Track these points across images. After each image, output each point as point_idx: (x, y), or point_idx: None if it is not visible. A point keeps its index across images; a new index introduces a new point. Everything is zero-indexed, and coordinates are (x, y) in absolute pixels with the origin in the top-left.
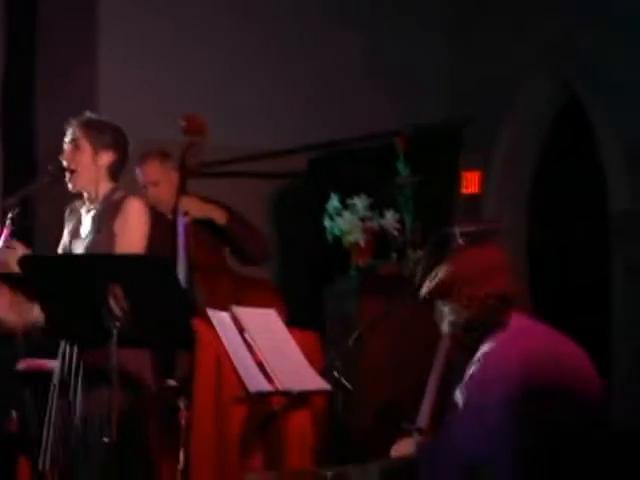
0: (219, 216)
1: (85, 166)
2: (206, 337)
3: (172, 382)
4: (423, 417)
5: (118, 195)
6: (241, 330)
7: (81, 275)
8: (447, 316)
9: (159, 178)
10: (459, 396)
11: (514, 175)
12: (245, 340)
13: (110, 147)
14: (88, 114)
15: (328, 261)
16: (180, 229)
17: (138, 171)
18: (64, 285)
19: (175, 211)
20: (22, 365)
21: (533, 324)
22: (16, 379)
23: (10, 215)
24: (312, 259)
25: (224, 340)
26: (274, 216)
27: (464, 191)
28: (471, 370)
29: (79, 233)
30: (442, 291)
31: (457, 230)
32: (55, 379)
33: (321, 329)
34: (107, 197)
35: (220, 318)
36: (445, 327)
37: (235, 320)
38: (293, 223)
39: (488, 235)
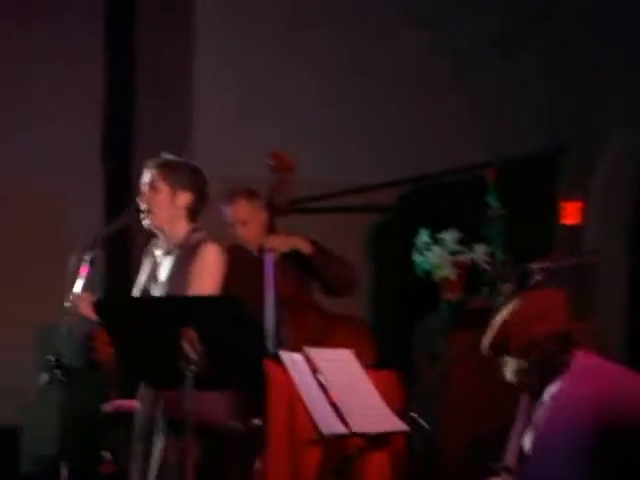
0: (304, 246)
1: (162, 206)
2: (278, 379)
3: (258, 422)
4: (510, 456)
5: (196, 238)
6: (314, 371)
7: (154, 318)
8: (510, 365)
9: (247, 217)
10: (527, 442)
11: (614, 204)
12: (318, 381)
13: (188, 187)
14: (165, 155)
15: (418, 296)
16: (267, 266)
17: (226, 210)
18: (138, 328)
19: (262, 249)
20: (111, 406)
21: (600, 362)
22: (107, 418)
23: (90, 256)
24: (402, 294)
25: (297, 381)
26: (366, 251)
27: (564, 222)
28: (539, 414)
29: (157, 276)
30: (499, 343)
31: (535, 266)
32: (136, 422)
33: (410, 367)
34: (185, 240)
35: (292, 359)
36: (510, 376)
37: (308, 361)
38: (384, 258)
39: (563, 270)
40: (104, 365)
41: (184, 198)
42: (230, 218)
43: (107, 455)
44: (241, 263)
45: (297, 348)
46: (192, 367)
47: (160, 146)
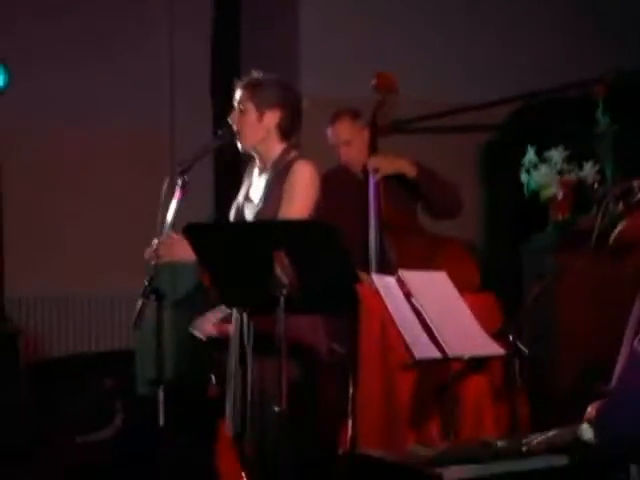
0: (409, 170)
1: (251, 127)
2: (371, 303)
3: (337, 347)
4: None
5: (290, 157)
6: (408, 295)
7: (245, 242)
8: None
9: (350, 137)
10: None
11: None
12: (412, 305)
13: (275, 106)
14: (254, 74)
15: (525, 217)
16: (371, 188)
17: (329, 131)
18: (229, 253)
19: (365, 170)
20: (214, 329)
21: None
22: (213, 343)
23: (181, 181)
24: (511, 216)
25: (389, 306)
26: (474, 172)
27: None
28: None
29: (250, 196)
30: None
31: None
32: (231, 347)
33: (516, 289)
34: (279, 160)
35: (385, 283)
36: None
37: (401, 284)
38: (493, 179)
39: None
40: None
41: (272, 117)
42: (333, 138)
43: (213, 378)
44: (344, 184)
45: (400, 268)
46: (284, 290)
47: (266, 69)
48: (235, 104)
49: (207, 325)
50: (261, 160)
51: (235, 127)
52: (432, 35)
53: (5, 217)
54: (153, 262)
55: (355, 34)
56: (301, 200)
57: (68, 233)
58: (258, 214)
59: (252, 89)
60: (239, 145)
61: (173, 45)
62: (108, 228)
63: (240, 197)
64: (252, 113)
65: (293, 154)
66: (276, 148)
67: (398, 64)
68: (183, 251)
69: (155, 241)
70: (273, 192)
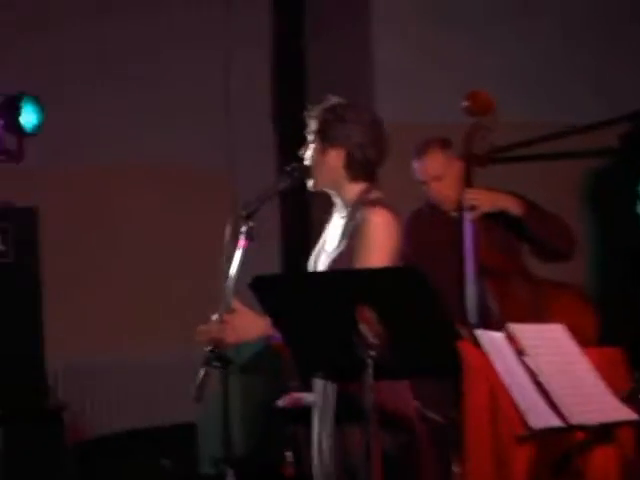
0: (513, 205)
1: (318, 166)
2: (476, 363)
3: (436, 416)
4: None
5: (370, 198)
6: (519, 353)
7: (323, 296)
8: None
9: (442, 171)
10: None
11: None
12: (525, 364)
13: (339, 144)
14: (328, 100)
15: None
16: (467, 227)
17: (415, 165)
18: (304, 309)
19: (460, 208)
20: (286, 401)
21: None
22: (284, 416)
23: (245, 228)
24: (630, 254)
25: (498, 366)
26: (584, 204)
27: None
28: None
29: (324, 245)
30: None
31: None
32: (313, 417)
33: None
34: (356, 203)
35: (492, 339)
36: None
37: (511, 340)
38: (606, 211)
39: None
40: (283, 350)
41: (335, 156)
42: (421, 174)
43: (289, 455)
44: (435, 225)
45: (504, 324)
46: (371, 352)
47: (334, 92)
48: (307, 136)
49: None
50: (336, 201)
51: (307, 163)
52: (528, 51)
53: (44, 273)
54: (210, 348)
55: (439, 49)
56: (376, 253)
57: (115, 289)
58: (330, 264)
59: (320, 120)
60: (309, 184)
61: (230, 67)
62: (162, 283)
63: (319, 244)
64: (318, 149)
65: (374, 195)
66: (350, 189)
67: (491, 83)
68: (254, 330)
69: (215, 318)
70: (346, 240)
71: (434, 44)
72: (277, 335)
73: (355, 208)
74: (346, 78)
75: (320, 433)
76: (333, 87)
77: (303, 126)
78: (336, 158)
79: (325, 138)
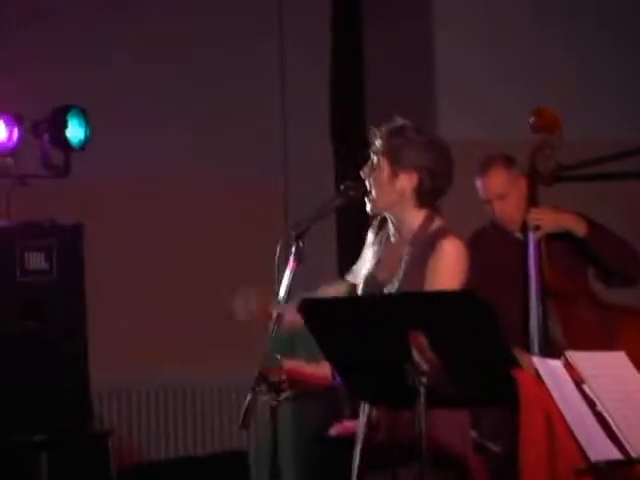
0: (578, 226)
1: (382, 188)
2: (533, 392)
3: (493, 446)
4: None
5: (433, 228)
6: (579, 382)
7: (375, 320)
8: None
9: (506, 190)
10: None
11: None
12: (584, 394)
13: (413, 168)
14: (396, 121)
15: None
16: (531, 248)
17: (478, 183)
18: (355, 334)
19: (524, 228)
20: (338, 430)
21: None
22: (336, 445)
23: (295, 248)
24: None
25: (555, 395)
26: None
27: None
28: None
29: (381, 269)
30: None
31: None
32: (357, 449)
33: None
34: (420, 231)
35: (550, 368)
36: None
37: (570, 369)
38: None
39: None
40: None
41: (407, 180)
42: (485, 192)
43: None
44: (497, 246)
45: (567, 348)
46: (423, 379)
47: (394, 109)
48: (371, 155)
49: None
50: (394, 225)
51: (367, 184)
52: (593, 65)
53: (88, 292)
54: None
55: (505, 63)
56: (449, 283)
57: (163, 309)
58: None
59: (389, 141)
60: (368, 205)
61: (286, 79)
62: (211, 303)
63: (368, 265)
64: (385, 171)
65: (437, 223)
66: (414, 215)
67: (556, 99)
68: None
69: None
70: (415, 271)
71: (500, 57)
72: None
73: (420, 236)
74: (407, 91)
75: (361, 469)
76: (394, 101)
77: (362, 144)
78: (407, 182)
79: (396, 161)
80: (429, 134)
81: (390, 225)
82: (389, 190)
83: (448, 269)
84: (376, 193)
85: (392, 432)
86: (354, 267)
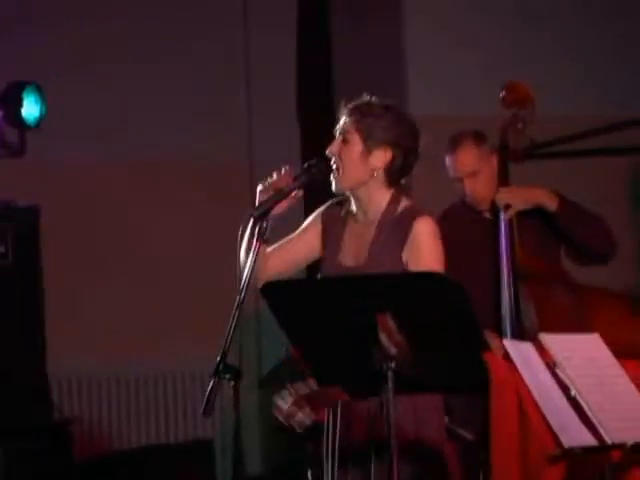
0: (549, 202)
1: (353, 165)
2: (504, 376)
3: (465, 433)
4: None
5: (401, 207)
6: (551, 365)
7: (341, 303)
8: None
9: (476, 167)
10: None
11: None
12: (557, 378)
13: (387, 144)
14: (365, 97)
15: None
16: (501, 228)
17: (448, 160)
18: (320, 317)
19: (494, 206)
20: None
21: None
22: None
23: (258, 229)
24: None
25: (527, 380)
26: (627, 205)
27: None
28: None
29: (343, 252)
30: None
31: None
32: (325, 439)
33: None
34: (387, 210)
35: (521, 351)
36: None
37: (543, 352)
38: None
39: None
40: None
41: (381, 157)
42: (455, 170)
43: (310, 474)
44: (467, 225)
45: (541, 330)
46: (392, 364)
47: (363, 83)
48: (337, 132)
49: (293, 410)
50: (359, 206)
51: (334, 161)
52: (569, 39)
53: (45, 277)
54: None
55: (473, 36)
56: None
57: (123, 294)
58: (367, 269)
59: (361, 117)
60: (333, 184)
61: (250, 56)
62: (173, 288)
63: (329, 249)
64: (357, 148)
65: (404, 203)
66: (381, 194)
67: (528, 74)
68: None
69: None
70: (384, 254)
71: (468, 30)
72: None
73: (389, 216)
74: (375, 66)
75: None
76: (361, 76)
77: (330, 122)
78: (380, 159)
79: (369, 137)
80: (398, 110)
81: (353, 206)
82: (360, 168)
83: (429, 252)
84: (346, 170)
85: (370, 429)
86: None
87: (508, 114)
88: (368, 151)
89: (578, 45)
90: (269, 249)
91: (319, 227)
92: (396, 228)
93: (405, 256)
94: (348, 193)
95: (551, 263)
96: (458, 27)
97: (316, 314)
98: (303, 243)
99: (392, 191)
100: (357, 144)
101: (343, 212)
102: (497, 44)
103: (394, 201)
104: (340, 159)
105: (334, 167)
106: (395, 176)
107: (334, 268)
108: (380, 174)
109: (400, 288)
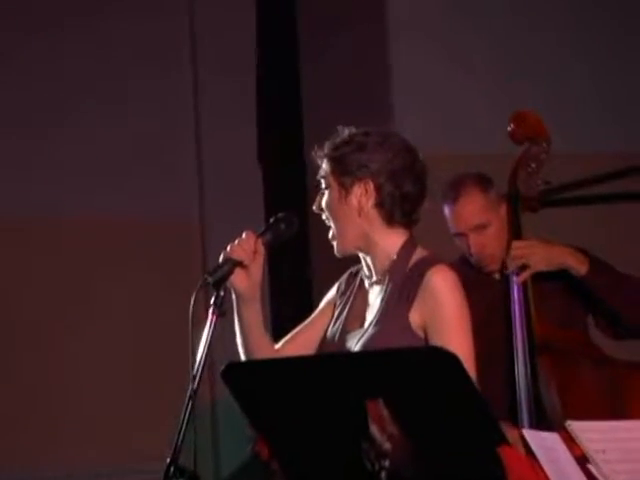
0: (575, 262)
1: (339, 214)
2: (525, 475)
3: None
4: None
5: (415, 258)
6: (582, 460)
7: (321, 389)
8: None
9: (483, 219)
10: None
11: None
12: (590, 476)
13: (366, 174)
14: (344, 130)
15: None
16: (515, 292)
17: (449, 212)
18: (298, 406)
19: (506, 267)
20: None
21: None
22: None
23: (214, 297)
24: None
25: (551, 476)
26: None
27: None
28: None
29: (361, 318)
30: None
31: None
32: None
33: None
34: (398, 259)
35: (544, 442)
36: None
37: (571, 443)
38: None
39: None
40: (269, 465)
41: (361, 192)
42: (456, 224)
43: None
44: (472, 290)
45: (564, 421)
46: (385, 462)
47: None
48: (321, 181)
49: None
50: (367, 263)
51: (325, 218)
52: (580, 63)
53: None
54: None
55: (473, 61)
56: (461, 333)
57: (54, 373)
58: (368, 343)
59: (333, 154)
60: (334, 246)
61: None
62: (112, 373)
63: (333, 323)
64: (334, 191)
65: (418, 253)
66: (387, 239)
67: (537, 104)
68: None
69: None
70: (391, 310)
71: (467, 54)
72: None
73: (399, 267)
74: (355, 94)
75: None
76: (340, 107)
77: (300, 165)
78: (363, 195)
79: (344, 173)
80: (379, 132)
81: (364, 268)
82: (347, 213)
83: (452, 314)
84: (337, 224)
85: None
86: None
87: (518, 151)
88: (346, 190)
89: (597, 69)
90: (279, 344)
91: (335, 299)
92: (411, 280)
93: (414, 318)
94: (356, 251)
95: (576, 335)
96: (454, 51)
97: (290, 402)
98: (320, 321)
99: (402, 233)
100: (336, 189)
101: (359, 276)
102: (501, 69)
103: (408, 246)
104: (329, 215)
105: (331, 228)
106: (394, 211)
107: (332, 339)
108: (372, 213)
109: (391, 367)
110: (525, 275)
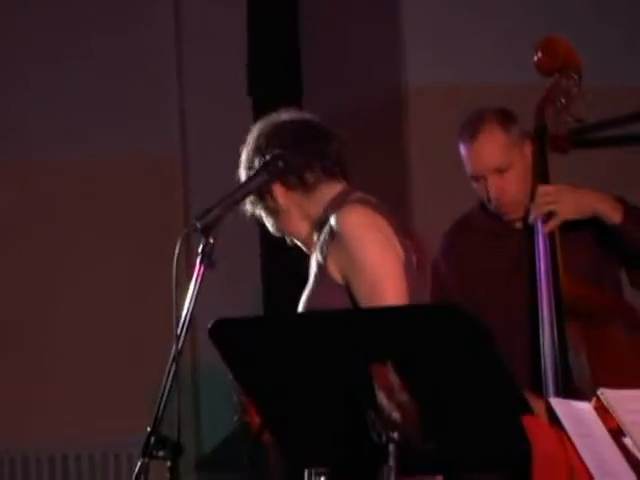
0: (609, 210)
1: (288, 221)
2: (551, 447)
3: None
4: None
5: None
6: (615, 432)
7: (319, 351)
8: None
9: (504, 160)
10: None
11: None
12: (624, 449)
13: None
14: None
15: None
16: (541, 244)
17: (466, 153)
18: (291, 371)
19: (528, 216)
20: None
21: None
22: None
23: (202, 247)
24: None
25: (582, 451)
26: None
27: None
28: None
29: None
30: None
31: None
32: None
33: None
34: (321, 219)
35: (574, 412)
36: None
37: (603, 413)
38: None
39: None
40: (259, 438)
41: (279, 192)
42: (475, 165)
43: None
44: (491, 240)
45: (594, 389)
46: (394, 433)
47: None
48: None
49: None
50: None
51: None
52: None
53: None
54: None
55: None
56: (372, 270)
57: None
58: (305, 305)
59: (256, 150)
60: (304, 249)
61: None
62: (95, 337)
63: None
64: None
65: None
66: (313, 208)
67: (563, 30)
68: None
69: None
70: (318, 269)
71: None
72: None
73: (322, 227)
74: (357, 31)
75: None
76: (338, 43)
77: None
78: (280, 193)
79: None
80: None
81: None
82: (286, 217)
83: (357, 253)
84: (281, 221)
85: None
86: None
87: (546, 84)
88: (267, 192)
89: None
90: None
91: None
92: (327, 238)
93: (332, 270)
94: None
95: (608, 293)
96: None
97: (286, 364)
98: None
99: (333, 193)
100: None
101: None
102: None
103: (336, 202)
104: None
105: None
106: (300, 180)
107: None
108: (291, 196)
109: (401, 327)
110: (553, 224)
